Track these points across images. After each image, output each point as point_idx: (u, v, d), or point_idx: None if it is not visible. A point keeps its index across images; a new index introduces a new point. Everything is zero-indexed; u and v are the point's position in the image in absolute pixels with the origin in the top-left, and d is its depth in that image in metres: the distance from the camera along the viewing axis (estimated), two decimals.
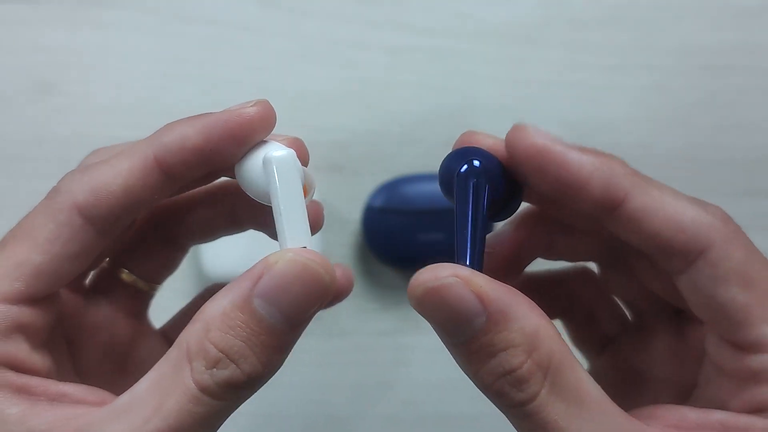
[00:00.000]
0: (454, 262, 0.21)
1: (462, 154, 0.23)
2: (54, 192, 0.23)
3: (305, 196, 0.23)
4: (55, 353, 0.24)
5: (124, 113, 0.45)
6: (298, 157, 0.23)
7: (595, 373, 0.21)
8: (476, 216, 0.22)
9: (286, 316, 0.21)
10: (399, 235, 0.44)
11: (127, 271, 0.28)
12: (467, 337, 0.20)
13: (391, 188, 0.45)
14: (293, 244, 0.21)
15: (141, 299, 0.29)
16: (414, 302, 0.20)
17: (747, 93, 0.47)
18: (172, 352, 0.21)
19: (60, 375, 0.24)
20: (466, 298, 0.20)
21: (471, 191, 0.22)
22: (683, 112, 0.47)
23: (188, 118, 0.23)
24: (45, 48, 0.46)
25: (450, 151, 0.24)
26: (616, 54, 0.47)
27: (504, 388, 0.20)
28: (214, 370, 0.20)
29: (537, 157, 0.21)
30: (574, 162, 0.21)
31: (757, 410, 0.21)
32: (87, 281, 0.28)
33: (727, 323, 0.21)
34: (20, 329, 0.22)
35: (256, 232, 0.28)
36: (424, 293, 0.20)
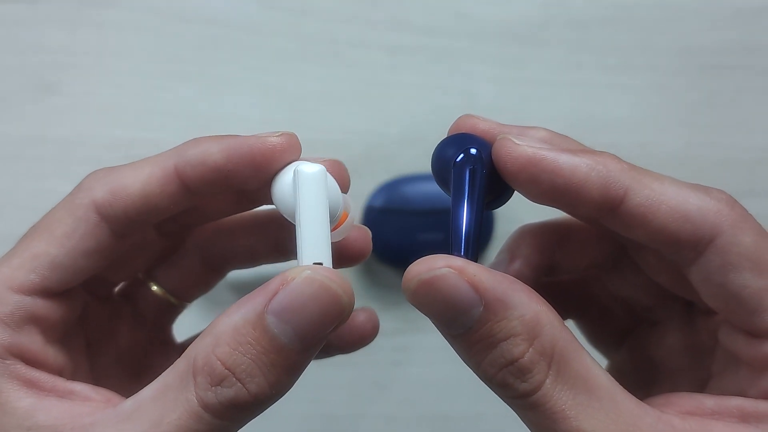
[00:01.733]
0: (448, 254, 0.20)
1: (456, 141, 0.22)
2: (77, 189, 0.23)
3: (342, 221, 0.23)
4: (72, 352, 0.25)
5: (124, 113, 0.45)
6: (336, 180, 0.23)
7: (614, 370, 0.21)
8: (472, 205, 0.21)
9: (300, 335, 0.20)
10: (399, 235, 0.44)
11: (158, 285, 0.28)
12: (465, 328, 0.20)
13: (391, 188, 0.45)
14: (310, 260, 0.21)
15: (168, 313, 0.29)
16: (408, 295, 0.20)
17: (747, 93, 0.47)
18: (180, 364, 0.20)
19: (74, 374, 0.24)
20: (460, 288, 0.19)
21: (467, 180, 0.21)
22: (683, 112, 0.47)
23: (215, 136, 0.23)
24: (45, 48, 0.46)
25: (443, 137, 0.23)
26: (616, 54, 0.47)
27: (507, 379, 0.19)
28: (218, 387, 0.20)
29: (528, 168, 0.21)
30: (567, 166, 0.21)
31: None
32: (116, 289, 0.28)
33: (740, 311, 0.21)
34: (34, 321, 0.22)
35: None
36: (418, 285, 0.20)
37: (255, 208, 0.26)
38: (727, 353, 0.23)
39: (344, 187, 0.24)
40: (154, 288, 0.28)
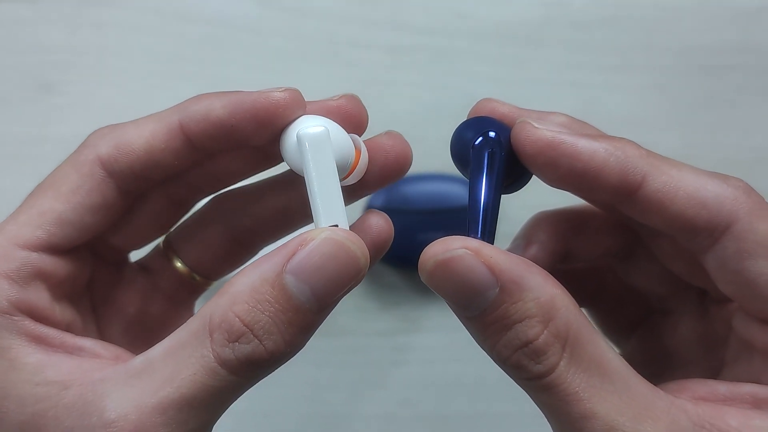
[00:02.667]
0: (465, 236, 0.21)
1: (476, 124, 0.22)
2: (81, 146, 0.23)
3: (356, 164, 0.22)
4: (82, 311, 0.24)
5: (124, 113, 0.45)
6: (351, 114, 0.23)
7: (626, 359, 0.20)
8: (490, 188, 0.21)
9: (317, 295, 0.20)
10: (399, 235, 0.44)
11: (181, 260, 0.27)
12: (480, 309, 0.20)
13: (391, 188, 0.45)
14: (327, 222, 0.21)
15: (190, 288, 0.28)
16: (425, 276, 0.20)
17: (747, 93, 0.47)
18: (193, 322, 0.20)
19: (83, 332, 0.24)
20: (476, 270, 0.19)
21: (486, 163, 0.22)
22: (683, 112, 0.47)
23: (219, 92, 0.23)
24: (45, 48, 0.46)
25: (462, 121, 0.23)
26: (616, 54, 0.47)
27: (522, 361, 0.19)
28: (236, 344, 0.20)
29: (547, 152, 0.21)
30: (586, 151, 0.21)
31: None
32: (136, 261, 0.28)
33: (755, 298, 0.21)
34: (41, 277, 0.22)
35: None
36: (434, 266, 0.20)
37: (269, 167, 0.26)
38: (740, 341, 0.23)
39: (361, 123, 0.24)
40: (178, 264, 0.27)
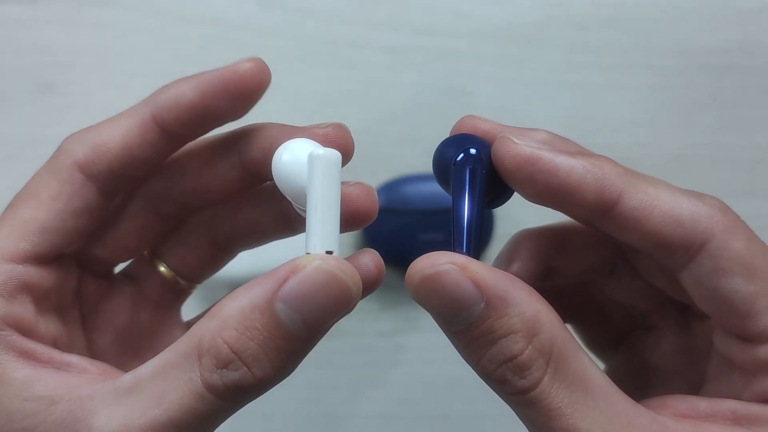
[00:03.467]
0: (451, 251, 0.21)
1: (457, 141, 0.23)
2: (57, 152, 0.23)
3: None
4: (67, 325, 0.24)
5: None
6: (338, 141, 0.22)
7: (610, 374, 0.21)
8: (473, 204, 0.22)
9: (308, 323, 0.20)
10: (399, 235, 0.44)
11: (165, 265, 0.28)
12: (466, 324, 0.20)
13: (391, 188, 0.45)
14: (322, 248, 0.21)
15: (176, 294, 0.29)
16: (411, 291, 0.20)
17: (747, 93, 0.47)
18: (183, 343, 0.20)
19: (70, 348, 0.24)
20: (463, 285, 0.19)
21: (467, 179, 0.22)
22: (683, 112, 0.47)
23: (185, 77, 0.23)
24: (45, 48, 0.46)
25: (445, 137, 0.24)
26: (616, 54, 0.47)
27: (506, 376, 0.20)
28: (224, 370, 0.20)
29: (525, 167, 0.21)
30: (564, 167, 0.21)
31: (767, 400, 0.21)
32: (121, 270, 0.28)
33: (732, 316, 0.21)
34: (26, 289, 0.22)
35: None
36: (420, 281, 0.20)
37: (260, 185, 0.26)
38: (721, 357, 0.23)
39: (347, 154, 0.24)
40: (162, 269, 0.28)
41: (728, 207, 0.21)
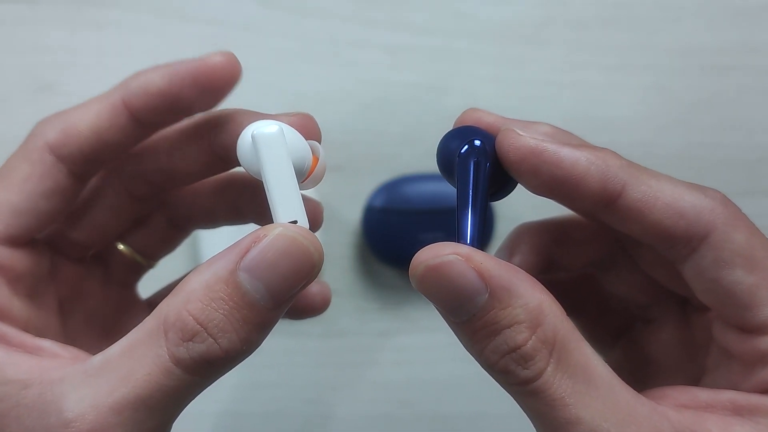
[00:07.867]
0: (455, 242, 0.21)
1: (461, 133, 0.23)
2: (29, 136, 0.24)
3: (313, 168, 0.23)
4: (41, 309, 0.25)
5: None
6: (303, 131, 0.23)
7: (611, 366, 0.21)
8: (476, 196, 0.22)
9: (272, 292, 0.20)
10: (399, 235, 0.44)
11: (124, 244, 0.28)
12: (470, 314, 0.20)
13: (391, 188, 0.45)
14: (285, 218, 0.21)
15: (135, 272, 0.29)
16: (415, 281, 0.20)
17: (747, 93, 0.47)
18: (149, 321, 0.20)
19: (44, 333, 0.24)
20: (467, 275, 0.19)
21: (471, 171, 0.22)
22: (683, 112, 0.47)
23: (159, 65, 0.24)
24: (45, 48, 0.46)
25: (449, 129, 0.24)
26: (616, 54, 0.47)
27: (509, 366, 0.20)
28: (190, 343, 0.20)
29: (529, 159, 0.21)
30: (568, 159, 0.21)
31: (767, 390, 0.21)
32: (90, 253, 0.28)
33: (733, 307, 0.21)
34: (0, 272, 0.23)
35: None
36: (425, 271, 0.20)
37: (226, 170, 0.27)
38: (720, 349, 0.23)
39: (313, 135, 0.24)
40: (121, 247, 0.28)
41: (729, 200, 0.22)
